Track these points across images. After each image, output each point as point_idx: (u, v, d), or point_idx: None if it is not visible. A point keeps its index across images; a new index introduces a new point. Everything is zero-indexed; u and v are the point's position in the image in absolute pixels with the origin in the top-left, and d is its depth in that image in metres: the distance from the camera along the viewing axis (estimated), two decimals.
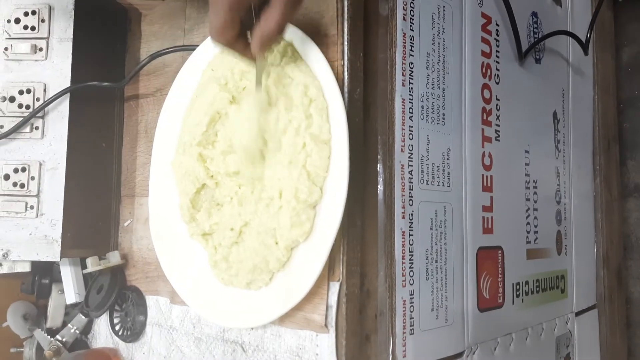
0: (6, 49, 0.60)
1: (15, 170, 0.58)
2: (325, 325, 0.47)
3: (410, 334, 0.51)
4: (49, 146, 0.59)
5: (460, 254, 0.59)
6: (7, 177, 0.58)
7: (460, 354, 0.58)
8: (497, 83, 0.68)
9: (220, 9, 0.40)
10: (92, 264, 0.61)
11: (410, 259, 0.52)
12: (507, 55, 0.71)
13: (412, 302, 0.52)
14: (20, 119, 0.59)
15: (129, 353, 0.63)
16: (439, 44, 0.58)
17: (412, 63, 0.54)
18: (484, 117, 0.65)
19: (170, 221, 0.57)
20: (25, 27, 0.60)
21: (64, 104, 0.59)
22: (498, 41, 0.69)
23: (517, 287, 0.69)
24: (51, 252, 0.57)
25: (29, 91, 0.59)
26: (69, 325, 0.65)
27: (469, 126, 0.62)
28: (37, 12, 0.60)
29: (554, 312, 0.78)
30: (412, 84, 0.54)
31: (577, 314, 0.84)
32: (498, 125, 0.68)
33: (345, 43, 0.49)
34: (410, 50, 0.54)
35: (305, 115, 0.47)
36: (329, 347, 0.47)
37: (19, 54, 0.60)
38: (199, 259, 0.54)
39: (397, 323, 0.50)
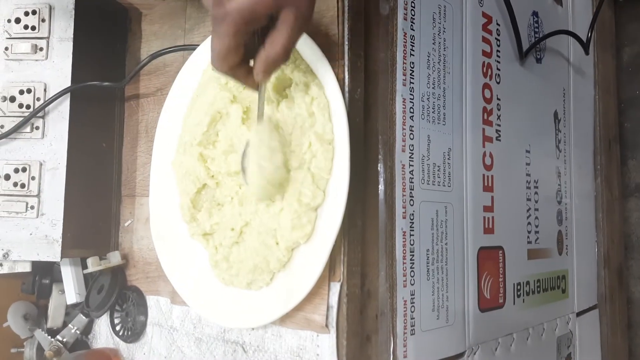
0: (6, 48, 0.60)
1: (16, 170, 0.58)
2: (326, 325, 0.47)
3: (411, 334, 0.51)
4: (50, 146, 0.59)
5: (461, 254, 0.59)
6: (7, 177, 0.58)
7: (461, 354, 0.58)
8: (498, 83, 0.68)
9: (224, 34, 0.38)
10: (93, 264, 0.61)
11: (411, 259, 0.52)
12: (508, 55, 0.71)
13: (413, 302, 0.51)
14: (21, 118, 0.59)
15: (129, 353, 0.63)
16: (439, 43, 0.58)
17: (412, 63, 0.54)
18: (485, 117, 0.65)
19: (170, 221, 0.57)
20: (26, 27, 0.60)
21: (65, 104, 0.59)
22: (499, 41, 0.69)
23: (518, 287, 0.69)
24: (52, 252, 0.57)
25: (29, 91, 0.59)
26: (70, 325, 0.65)
27: (470, 126, 0.62)
28: (38, 12, 0.60)
29: (555, 312, 0.78)
30: (412, 83, 0.54)
31: (578, 314, 0.84)
32: (499, 125, 0.68)
33: (346, 43, 0.49)
34: (411, 49, 0.54)
35: (308, 113, 0.47)
36: (330, 348, 0.47)
37: (19, 54, 0.60)
38: (200, 259, 0.54)
39: (398, 323, 0.50)
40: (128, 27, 0.69)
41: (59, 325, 0.67)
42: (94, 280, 0.64)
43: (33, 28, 0.60)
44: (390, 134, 0.51)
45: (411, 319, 0.51)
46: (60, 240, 0.57)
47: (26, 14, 0.60)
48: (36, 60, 0.60)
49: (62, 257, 0.57)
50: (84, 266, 0.63)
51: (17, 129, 0.59)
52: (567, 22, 0.87)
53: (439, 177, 0.56)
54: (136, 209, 0.65)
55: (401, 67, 0.52)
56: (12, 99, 0.59)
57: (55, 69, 0.60)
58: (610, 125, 1.01)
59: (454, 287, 0.57)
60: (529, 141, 0.74)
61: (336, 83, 0.47)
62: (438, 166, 0.56)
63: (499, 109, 0.68)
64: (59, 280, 0.66)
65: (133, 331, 0.62)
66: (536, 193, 0.75)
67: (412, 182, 0.52)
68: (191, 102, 0.57)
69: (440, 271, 0.56)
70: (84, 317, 0.65)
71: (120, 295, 0.63)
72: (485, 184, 0.64)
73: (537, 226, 0.75)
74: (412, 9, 0.54)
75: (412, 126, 0.53)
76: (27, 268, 0.63)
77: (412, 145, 0.53)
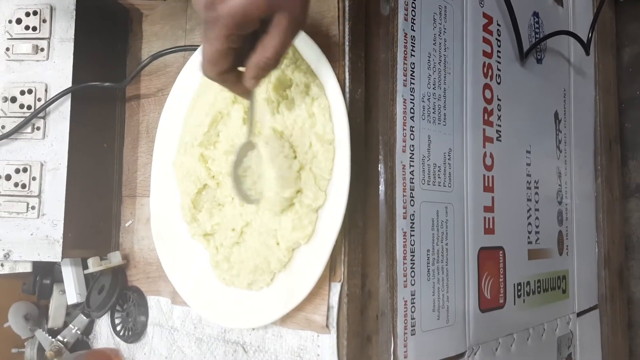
0: (8, 49, 0.60)
1: (17, 171, 0.58)
2: (327, 325, 0.47)
3: (411, 335, 0.51)
4: (51, 146, 0.59)
5: (462, 255, 0.59)
6: (8, 177, 0.58)
7: (462, 355, 0.58)
8: (499, 83, 0.68)
9: (216, 37, 0.37)
10: (94, 265, 0.61)
11: (411, 260, 0.52)
12: (509, 55, 0.71)
13: (414, 303, 0.52)
14: (22, 119, 0.59)
15: (130, 353, 0.63)
16: (440, 44, 0.58)
17: (413, 63, 0.54)
18: (485, 117, 0.65)
19: (171, 221, 0.57)
20: (27, 28, 0.60)
21: (65, 105, 0.59)
22: (499, 41, 0.69)
23: (519, 287, 0.69)
24: (52, 253, 0.57)
25: (30, 91, 0.59)
26: (70, 325, 0.65)
27: (470, 126, 0.62)
28: (39, 13, 0.60)
29: (555, 312, 0.78)
30: (413, 84, 0.54)
31: (579, 314, 0.84)
32: (499, 126, 0.68)
33: (347, 43, 0.49)
34: (412, 50, 0.54)
35: (309, 114, 0.47)
36: (330, 348, 0.47)
37: (20, 54, 0.60)
38: (201, 260, 0.54)
39: (398, 323, 0.50)
40: (129, 28, 0.69)
41: (60, 326, 0.67)
42: (95, 281, 0.64)
43: (34, 29, 0.60)
44: (391, 135, 0.51)
45: (412, 319, 0.51)
46: (61, 240, 0.57)
47: (27, 14, 0.60)
48: (37, 60, 0.60)
49: (62, 258, 0.57)
50: (85, 266, 0.63)
51: (18, 129, 0.59)
52: (568, 23, 0.87)
53: (439, 178, 0.56)
54: (137, 209, 0.65)
55: (402, 68, 0.52)
56: (13, 100, 0.59)
57: (56, 69, 0.60)
58: (610, 126, 1.01)
59: (454, 287, 0.57)
60: (529, 141, 0.74)
61: (337, 83, 0.47)
62: (438, 166, 0.56)
63: (499, 110, 0.68)
64: (59, 280, 0.66)
65: (134, 331, 0.62)
66: (537, 193, 0.75)
67: (412, 183, 0.53)
68: (192, 102, 0.57)
69: (441, 271, 0.56)
70: (84, 318, 0.65)
71: (121, 295, 0.63)
72: (486, 185, 0.64)
73: (537, 226, 0.75)
74: (412, 10, 0.54)
75: (413, 126, 0.53)
76: (28, 268, 0.63)
77: (413, 145, 0.53)
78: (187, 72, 0.58)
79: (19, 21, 0.60)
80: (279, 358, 0.50)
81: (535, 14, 0.77)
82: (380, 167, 0.51)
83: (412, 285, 0.52)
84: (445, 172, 0.57)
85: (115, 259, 0.63)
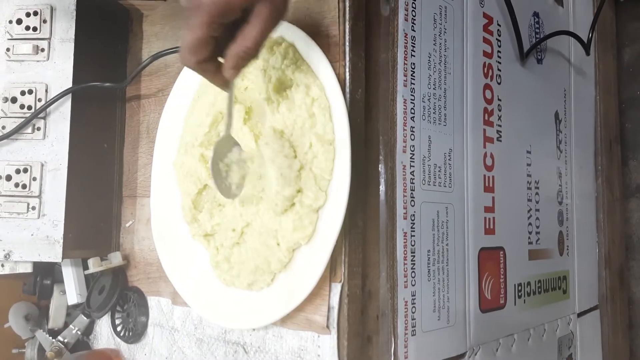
0: (8, 49, 0.60)
1: (17, 171, 0.58)
2: (327, 326, 0.47)
3: (412, 335, 0.51)
4: (51, 147, 0.59)
5: (462, 255, 0.59)
6: (9, 177, 0.58)
7: (462, 355, 0.58)
8: (499, 83, 0.68)
9: (197, 25, 0.37)
10: (94, 265, 0.61)
11: (412, 260, 0.52)
12: (509, 56, 0.71)
13: (414, 303, 0.51)
14: (22, 119, 0.59)
15: (130, 354, 0.63)
16: (440, 44, 0.58)
17: (413, 63, 0.54)
18: (486, 118, 0.65)
19: (171, 222, 0.57)
20: (27, 28, 0.60)
21: (66, 105, 0.59)
22: (500, 41, 0.69)
23: (519, 287, 0.69)
24: (53, 253, 0.57)
25: (30, 92, 0.59)
26: (71, 326, 0.65)
27: (471, 126, 0.62)
28: (39, 13, 0.60)
29: (556, 312, 0.78)
30: (413, 84, 0.54)
31: (579, 314, 0.84)
32: (500, 126, 0.68)
33: (347, 43, 0.49)
34: (412, 50, 0.54)
35: (309, 115, 0.47)
36: (331, 348, 0.47)
37: (20, 55, 0.60)
38: (201, 260, 0.54)
39: (398, 324, 0.50)
40: (129, 28, 0.69)
41: (60, 326, 0.67)
42: (95, 281, 0.64)
43: (34, 29, 0.60)
44: (391, 135, 0.51)
45: (412, 319, 0.51)
46: (62, 240, 0.57)
47: (27, 15, 0.60)
48: (37, 61, 0.60)
49: (63, 258, 0.57)
50: (85, 267, 0.63)
51: (18, 129, 0.59)
52: (568, 23, 0.87)
53: (439, 178, 0.56)
54: (137, 209, 0.65)
55: (402, 68, 0.52)
56: (14, 100, 0.59)
57: (57, 69, 0.60)
58: (611, 126, 1.00)
59: (454, 287, 0.57)
60: (529, 142, 0.74)
61: (337, 84, 0.47)
62: (439, 167, 0.56)
63: (499, 110, 0.68)
64: (60, 280, 0.66)
65: (134, 332, 0.62)
66: (537, 194, 0.75)
67: (413, 183, 0.52)
68: (192, 102, 0.57)
69: (441, 272, 0.56)
70: (85, 318, 0.65)
71: (122, 295, 0.63)
72: (486, 185, 0.64)
73: (538, 227, 0.75)
74: (412, 10, 0.54)
75: (413, 127, 0.53)
76: (29, 269, 0.63)
77: (413, 145, 0.53)
78: (188, 72, 0.58)
79: (19, 21, 0.60)
80: (280, 358, 0.50)
81: (536, 14, 0.77)
82: (381, 168, 0.51)
83: (413, 285, 0.52)
84: (445, 173, 0.57)
85: (115, 259, 0.63)
